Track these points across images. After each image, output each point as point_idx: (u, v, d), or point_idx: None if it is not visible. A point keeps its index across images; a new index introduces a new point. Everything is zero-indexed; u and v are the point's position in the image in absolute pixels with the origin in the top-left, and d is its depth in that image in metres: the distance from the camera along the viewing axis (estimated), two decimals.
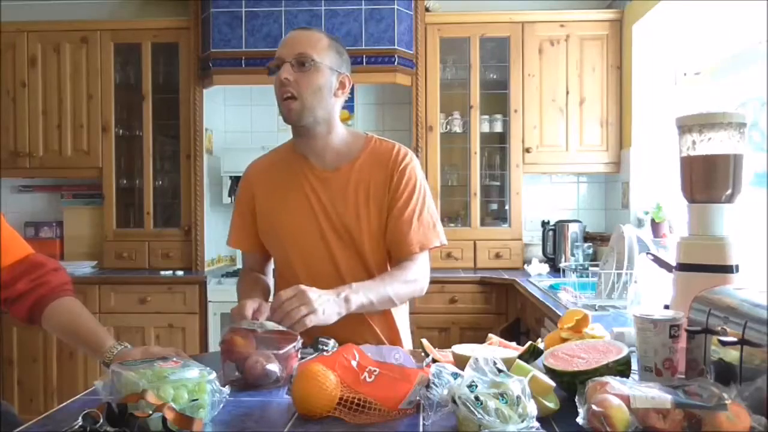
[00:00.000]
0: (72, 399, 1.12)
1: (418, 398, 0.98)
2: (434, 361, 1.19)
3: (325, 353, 1.14)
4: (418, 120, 3.42)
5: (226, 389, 1.00)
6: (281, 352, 1.17)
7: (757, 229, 2.13)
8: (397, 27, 3.26)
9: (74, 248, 3.63)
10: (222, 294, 3.21)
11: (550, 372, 1.06)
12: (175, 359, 1.05)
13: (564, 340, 1.20)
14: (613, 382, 0.91)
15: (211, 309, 3.24)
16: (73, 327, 1.32)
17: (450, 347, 1.23)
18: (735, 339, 0.93)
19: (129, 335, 3.17)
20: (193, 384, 0.96)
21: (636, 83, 3.22)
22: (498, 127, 3.50)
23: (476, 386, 0.89)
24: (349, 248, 1.49)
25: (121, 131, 3.55)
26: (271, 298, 1.45)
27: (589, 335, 1.22)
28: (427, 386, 0.96)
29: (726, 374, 0.95)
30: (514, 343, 1.31)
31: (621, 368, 1.04)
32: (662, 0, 2.85)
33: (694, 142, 1.23)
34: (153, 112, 3.48)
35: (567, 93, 3.40)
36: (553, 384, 1.00)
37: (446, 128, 3.49)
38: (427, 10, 3.44)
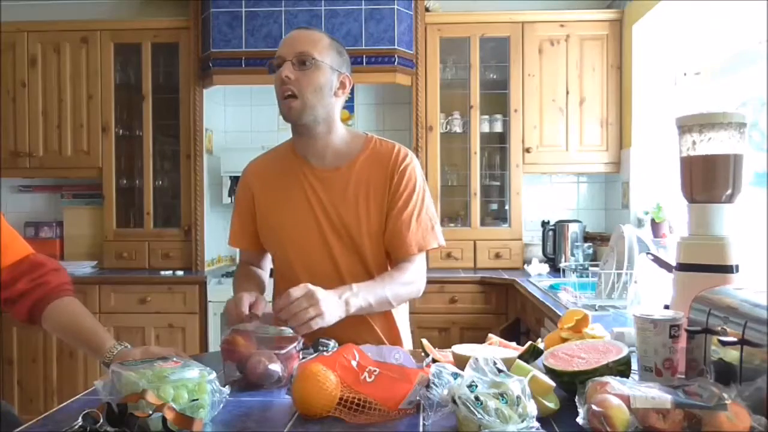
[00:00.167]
0: (72, 399, 1.12)
1: (418, 398, 0.98)
2: (434, 361, 1.19)
3: (325, 353, 1.14)
4: (418, 120, 3.42)
5: (226, 389, 1.00)
6: (283, 352, 1.17)
7: (757, 229, 2.13)
8: (397, 27, 3.26)
9: (74, 248, 3.63)
10: (222, 294, 3.21)
11: (550, 372, 1.06)
12: (175, 359, 1.05)
13: (564, 340, 1.21)
14: (613, 382, 0.91)
15: (211, 309, 3.24)
16: (73, 327, 1.32)
17: (450, 347, 1.23)
18: (735, 339, 0.93)
19: (129, 335, 3.17)
20: (193, 384, 0.96)
21: (636, 83, 3.22)
22: (498, 127, 3.50)
23: (476, 386, 0.89)
24: (348, 248, 1.49)
25: (121, 131, 3.55)
26: (268, 297, 1.45)
27: (589, 335, 1.22)
28: (427, 386, 0.97)
29: (726, 374, 0.95)
30: (514, 343, 1.31)
31: (621, 368, 1.04)
32: (662, 0, 2.85)
33: (694, 142, 1.23)
34: (153, 112, 3.48)
35: (567, 93, 3.40)
36: (553, 384, 1.00)
37: (446, 128, 3.49)
38: (427, 10, 3.43)
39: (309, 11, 3.25)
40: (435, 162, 3.42)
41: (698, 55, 2.92)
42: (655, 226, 3.00)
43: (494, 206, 3.64)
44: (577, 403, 0.93)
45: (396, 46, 3.26)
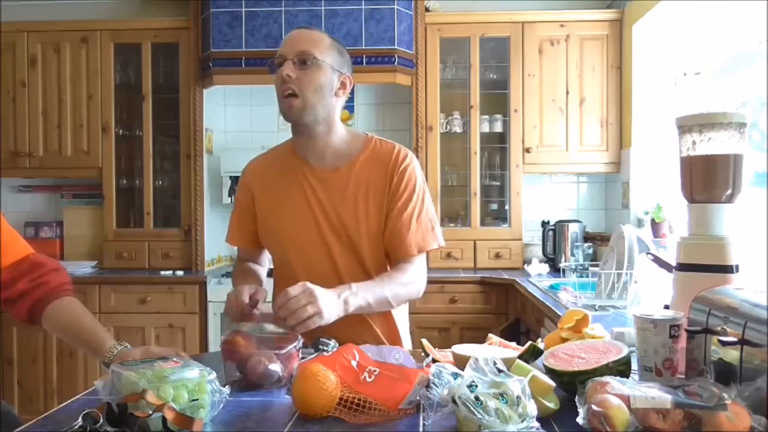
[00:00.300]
0: (72, 399, 1.12)
1: (418, 398, 0.98)
2: (434, 361, 1.19)
3: (325, 353, 1.14)
4: (418, 120, 3.42)
5: (227, 389, 1.00)
6: (283, 351, 1.17)
7: (757, 229, 2.13)
8: (397, 27, 3.26)
9: (74, 248, 3.63)
10: (222, 294, 3.20)
11: (550, 372, 1.06)
12: (175, 359, 1.05)
13: (564, 340, 1.21)
14: (613, 382, 0.91)
15: (211, 309, 3.24)
16: (73, 327, 1.32)
17: (450, 347, 1.23)
18: (735, 339, 0.93)
19: (129, 335, 3.17)
20: (194, 384, 0.96)
21: (636, 83, 3.22)
22: (498, 127, 3.50)
23: (476, 386, 0.89)
24: (347, 248, 1.49)
25: (121, 131, 3.55)
26: (269, 297, 1.45)
27: (589, 335, 1.22)
28: (427, 386, 0.97)
29: (726, 374, 0.95)
30: (514, 343, 1.31)
31: (621, 368, 1.04)
32: (662, 0, 2.85)
33: (694, 142, 1.23)
34: (153, 112, 3.48)
35: (567, 93, 3.40)
36: (553, 384, 1.00)
37: (446, 128, 3.49)
38: (427, 10, 3.43)
39: (309, 11, 3.25)
40: (435, 162, 3.42)
41: (698, 55, 2.92)
42: (655, 226, 3.00)
43: (494, 206, 3.64)
44: (577, 403, 0.93)
45: (396, 46, 3.26)
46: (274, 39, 3.23)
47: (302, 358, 1.20)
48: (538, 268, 3.20)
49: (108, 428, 0.86)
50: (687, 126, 1.25)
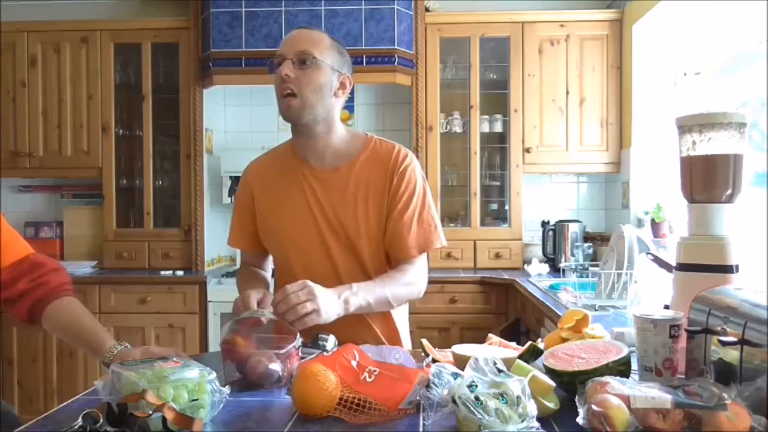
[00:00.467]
0: (72, 399, 1.12)
1: (418, 398, 0.98)
2: (434, 361, 1.19)
3: (325, 353, 1.15)
4: (418, 120, 3.42)
5: (226, 389, 1.00)
6: (282, 351, 1.17)
7: (757, 229, 2.13)
8: (397, 27, 3.26)
9: (74, 248, 3.63)
10: (222, 294, 3.21)
11: (550, 372, 1.06)
12: (175, 359, 1.05)
13: (564, 340, 1.20)
14: (613, 382, 0.91)
15: (211, 309, 3.24)
16: (73, 327, 1.32)
17: (450, 347, 1.23)
18: (735, 339, 0.93)
19: (129, 335, 3.17)
20: (193, 384, 0.96)
21: (636, 83, 3.22)
22: (498, 127, 3.50)
23: (476, 386, 0.89)
24: (347, 249, 1.49)
25: (121, 131, 3.55)
26: (271, 297, 1.45)
27: (589, 335, 1.22)
28: (427, 386, 0.96)
29: (726, 374, 0.95)
30: (514, 343, 1.31)
31: (621, 368, 1.04)
32: (662, 0, 2.85)
33: (694, 142, 1.23)
34: (153, 112, 3.48)
35: (567, 93, 3.40)
36: (553, 384, 1.00)
37: (446, 128, 3.49)
38: (427, 10, 3.43)
39: (309, 11, 3.25)
40: (435, 162, 3.42)
41: (698, 55, 2.92)
42: (655, 226, 3.00)
43: (494, 206, 3.64)
44: (577, 403, 0.92)
45: (396, 46, 3.26)
46: (274, 39, 3.23)
47: (302, 357, 1.20)
48: (538, 268, 3.20)
49: (108, 428, 0.86)
50: (687, 126, 1.25)
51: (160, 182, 3.57)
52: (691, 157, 1.24)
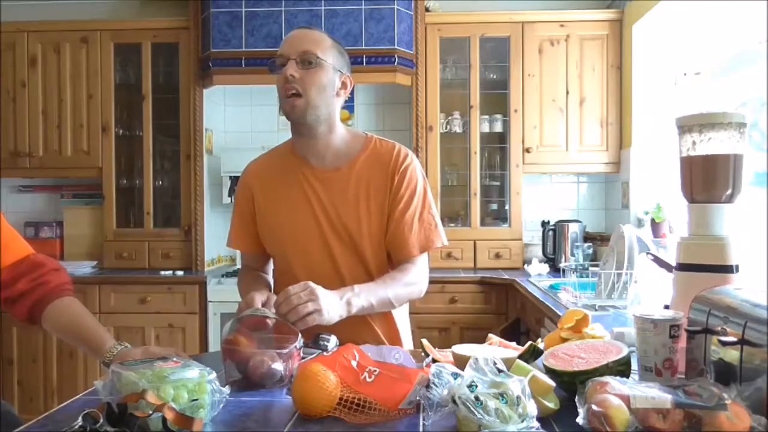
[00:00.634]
0: (72, 399, 1.12)
1: (418, 398, 0.98)
2: (434, 361, 1.19)
3: (325, 353, 1.14)
4: (418, 120, 3.42)
5: (227, 389, 1.00)
6: (284, 351, 1.16)
7: (757, 229, 2.13)
8: (397, 27, 3.26)
9: (74, 248, 3.63)
10: (222, 294, 3.21)
11: (550, 372, 1.06)
12: (175, 359, 1.05)
13: (564, 340, 1.20)
14: (613, 382, 0.91)
15: (211, 309, 3.24)
16: (73, 327, 1.32)
17: (450, 347, 1.23)
18: (735, 339, 0.93)
19: (129, 335, 3.17)
20: (193, 384, 0.96)
21: (636, 83, 3.22)
22: (498, 127, 3.50)
23: (476, 386, 0.89)
24: (348, 249, 1.49)
25: (121, 131, 3.55)
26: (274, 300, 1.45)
27: (589, 335, 1.22)
28: (427, 386, 0.96)
29: (726, 374, 0.95)
30: (514, 343, 1.31)
31: (621, 368, 1.04)
32: (662, 0, 2.85)
33: (694, 142, 1.23)
34: (153, 112, 3.48)
35: (567, 93, 3.40)
36: (553, 384, 1.00)
37: (446, 128, 3.49)
38: (427, 10, 3.43)
39: (309, 11, 3.25)
40: (435, 162, 3.42)
41: (698, 55, 2.92)
42: (655, 226, 3.00)
43: (494, 206, 3.64)
44: (577, 403, 0.92)
45: (396, 46, 3.26)
46: (274, 39, 3.23)
47: (303, 357, 1.20)
48: (538, 268, 3.20)
49: (108, 428, 0.86)
50: (687, 126, 1.25)
51: (160, 182, 3.57)
52: (691, 157, 1.24)
